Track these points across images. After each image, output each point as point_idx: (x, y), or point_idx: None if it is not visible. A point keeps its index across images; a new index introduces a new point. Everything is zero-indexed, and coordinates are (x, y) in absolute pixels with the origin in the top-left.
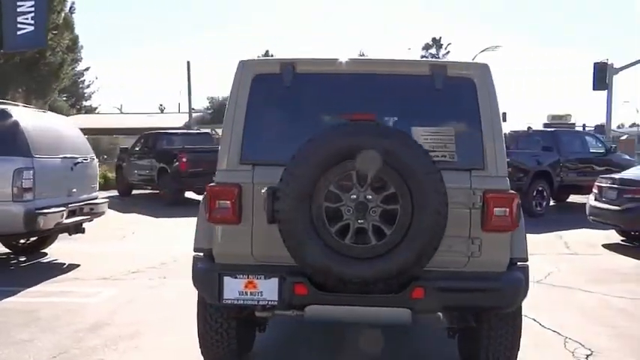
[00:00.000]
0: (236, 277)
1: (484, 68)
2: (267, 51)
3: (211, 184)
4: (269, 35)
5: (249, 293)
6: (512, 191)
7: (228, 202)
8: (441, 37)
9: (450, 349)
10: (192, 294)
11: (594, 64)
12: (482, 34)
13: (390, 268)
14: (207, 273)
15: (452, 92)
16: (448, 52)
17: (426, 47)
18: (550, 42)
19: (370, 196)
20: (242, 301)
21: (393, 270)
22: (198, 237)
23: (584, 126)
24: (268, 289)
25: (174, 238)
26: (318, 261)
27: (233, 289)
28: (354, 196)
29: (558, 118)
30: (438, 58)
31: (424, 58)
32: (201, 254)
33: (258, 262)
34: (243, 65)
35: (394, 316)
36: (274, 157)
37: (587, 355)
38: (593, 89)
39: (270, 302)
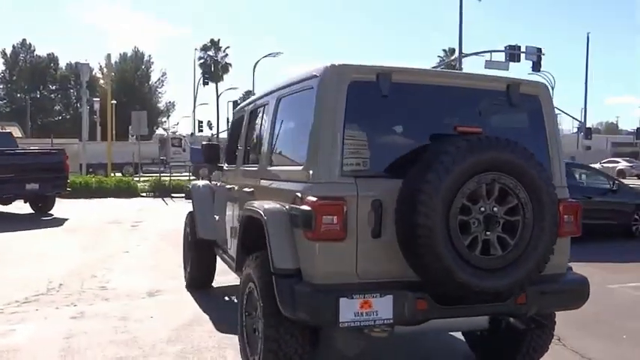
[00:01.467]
0: (352, 298)
1: (546, 87)
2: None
3: (311, 198)
4: None
5: (364, 314)
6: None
7: (335, 217)
8: (219, 40)
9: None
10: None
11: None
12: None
13: (519, 278)
14: (318, 296)
15: (524, 108)
16: (226, 54)
17: (205, 49)
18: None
19: (496, 209)
20: (358, 323)
21: (522, 279)
22: (279, 257)
23: None
24: (383, 308)
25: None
26: (459, 274)
27: (349, 310)
28: (482, 209)
29: None
30: (217, 59)
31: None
32: (286, 276)
33: (362, 280)
34: (337, 70)
35: (479, 323)
36: (375, 169)
37: None
38: None
39: (385, 320)
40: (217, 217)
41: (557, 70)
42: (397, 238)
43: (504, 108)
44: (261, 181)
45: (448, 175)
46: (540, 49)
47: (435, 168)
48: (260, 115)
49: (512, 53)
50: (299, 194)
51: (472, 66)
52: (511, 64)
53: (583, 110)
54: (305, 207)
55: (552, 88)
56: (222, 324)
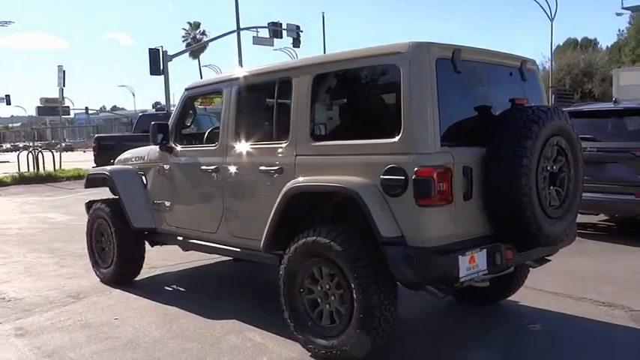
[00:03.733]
0: (464, 255)
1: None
2: None
3: (425, 167)
4: None
5: (471, 268)
6: None
7: (444, 183)
8: None
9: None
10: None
11: (149, 50)
12: None
13: (568, 224)
14: (439, 257)
15: (530, 82)
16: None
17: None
18: None
19: (555, 167)
20: (469, 277)
21: (569, 225)
22: (386, 226)
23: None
24: (481, 261)
25: None
26: (544, 224)
27: (464, 266)
28: (549, 167)
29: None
30: None
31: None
32: (394, 243)
33: (459, 239)
34: (427, 48)
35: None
36: (459, 139)
37: None
38: (150, 74)
39: (481, 272)
40: (169, 203)
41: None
42: (485, 198)
43: (519, 81)
44: (301, 157)
45: (538, 140)
46: (299, 26)
47: (530, 135)
48: (278, 91)
49: (275, 30)
50: (395, 165)
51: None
52: (275, 40)
53: None
54: (421, 176)
55: None
56: (215, 313)
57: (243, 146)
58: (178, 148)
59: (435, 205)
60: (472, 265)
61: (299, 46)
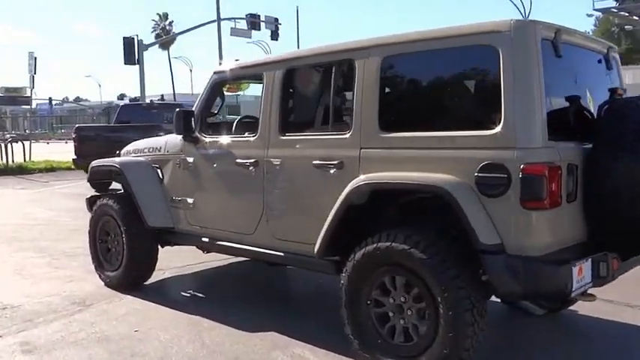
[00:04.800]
0: (575, 265)
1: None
2: None
3: (536, 164)
4: None
5: (580, 281)
6: None
7: (554, 183)
8: None
9: None
10: None
11: (123, 38)
12: None
13: None
14: (550, 267)
15: (614, 71)
16: None
17: None
18: None
19: None
20: (577, 290)
21: None
22: (485, 232)
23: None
24: (587, 272)
25: None
26: None
27: (574, 278)
28: None
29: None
30: None
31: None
32: (494, 252)
33: (562, 247)
34: (531, 26)
35: None
36: (563, 132)
37: None
38: (125, 63)
39: (587, 285)
40: (192, 200)
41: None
42: (590, 200)
43: (605, 69)
44: (367, 150)
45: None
46: (277, 19)
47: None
48: (336, 75)
49: (254, 22)
50: (494, 161)
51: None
52: (253, 32)
53: None
54: (530, 174)
55: None
56: (248, 324)
57: (290, 137)
58: (205, 138)
59: (543, 207)
60: (580, 277)
61: (277, 39)
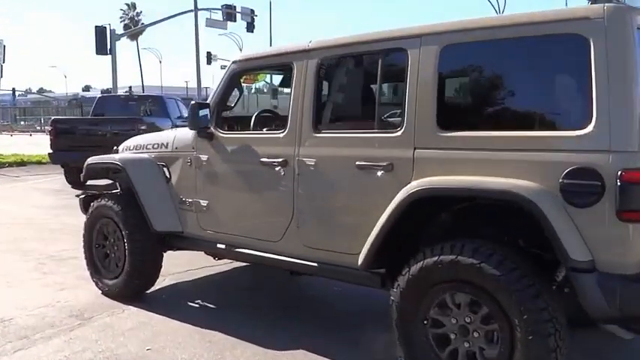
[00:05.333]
0: None
1: None
2: None
3: (623, 170)
4: None
5: None
6: None
7: None
8: None
9: None
10: None
11: (95, 28)
12: None
13: None
14: None
15: None
16: None
17: None
18: None
19: None
20: None
21: None
22: (576, 247)
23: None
24: None
25: None
26: None
27: None
28: None
29: None
30: None
31: None
32: (587, 270)
33: None
34: (626, 13)
35: None
36: None
37: None
38: (96, 53)
39: None
40: (206, 202)
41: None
42: None
43: None
44: (423, 150)
45: None
46: (253, 10)
47: None
48: (382, 65)
49: (229, 13)
50: (585, 165)
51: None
52: (228, 23)
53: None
54: (631, 182)
55: (240, 50)
56: (271, 340)
57: (327, 135)
58: (222, 134)
59: None
60: None
61: (253, 31)
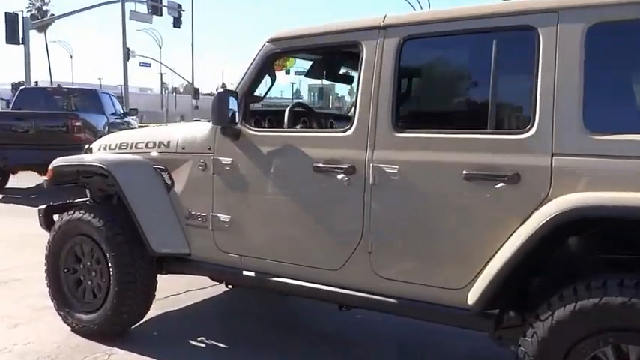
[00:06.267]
0: None
1: None
2: None
3: None
4: None
5: None
6: None
7: None
8: None
9: None
10: None
11: (6, 14)
12: None
13: None
14: None
15: None
16: None
17: None
18: None
19: None
20: None
21: None
22: None
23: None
24: None
25: None
26: None
27: None
28: None
29: None
30: None
31: None
32: None
33: None
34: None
35: None
36: None
37: None
38: (6, 42)
39: None
40: (228, 218)
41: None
42: None
43: None
44: (566, 158)
45: None
46: (180, 5)
47: None
48: (498, 47)
49: (155, 6)
50: None
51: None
52: (154, 17)
53: (192, 72)
54: None
55: (160, 47)
56: None
57: (415, 135)
58: (253, 132)
59: None
60: None
61: (180, 27)
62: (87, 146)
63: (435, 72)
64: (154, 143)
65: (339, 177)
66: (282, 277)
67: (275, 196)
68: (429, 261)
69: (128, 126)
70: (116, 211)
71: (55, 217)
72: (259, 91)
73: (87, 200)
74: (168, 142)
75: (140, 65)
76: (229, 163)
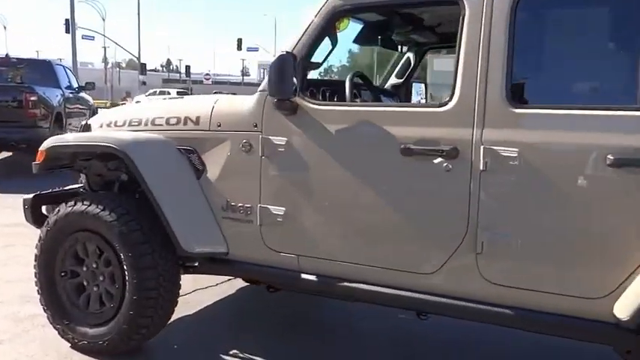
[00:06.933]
0: None
1: None
2: None
3: None
4: None
5: None
6: None
7: None
8: None
9: None
10: None
11: None
12: None
13: None
14: None
15: None
16: None
17: None
18: None
19: None
20: None
21: None
22: None
23: None
24: None
25: None
26: None
27: None
28: None
29: None
30: None
31: None
32: None
33: None
34: None
35: None
36: None
37: None
38: None
39: None
40: (282, 210)
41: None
42: None
43: None
44: None
45: None
46: None
47: None
48: None
49: None
50: None
51: None
52: None
53: (138, 46)
54: None
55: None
56: None
57: (538, 112)
58: (316, 106)
59: None
60: None
61: None
62: (83, 122)
63: (565, 31)
64: (178, 119)
65: (436, 161)
66: (355, 281)
67: (348, 184)
68: (560, 264)
69: (84, 102)
70: (129, 201)
71: (44, 209)
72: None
73: (80, 187)
74: (197, 118)
75: (83, 38)
76: (283, 143)
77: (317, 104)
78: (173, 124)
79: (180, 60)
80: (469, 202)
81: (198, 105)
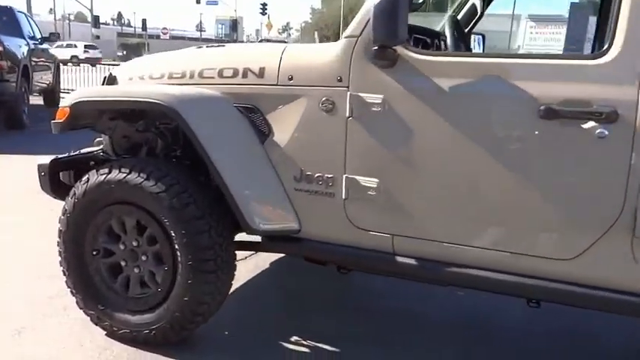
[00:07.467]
0: None
1: None
2: None
3: None
4: None
5: None
6: None
7: None
8: None
9: None
10: None
11: None
12: None
13: None
14: None
15: None
16: None
17: None
18: None
19: None
20: None
21: None
22: None
23: None
24: None
25: None
26: None
27: None
28: None
29: None
30: None
31: None
32: None
33: None
34: None
35: None
36: None
37: None
38: None
39: None
40: (375, 182)
41: None
42: None
43: None
44: None
45: None
46: None
47: None
48: None
49: None
50: None
51: None
52: None
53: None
54: None
55: None
56: None
57: None
58: (419, 56)
59: None
60: None
61: None
62: (108, 74)
63: None
64: (235, 71)
65: (587, 126)
66: (469, 266)
67: (465, 152)
68: None
69: (49, 55)
70: (178, 169)
71: (62, 176)
72: None
73: (100, 150)
74: (262, 70)
75: None
76: (379, 101)
77: (425, 54)
78: (228, 77)
79: (134, 13)
80: (628, 176)
81: (261, 54)
